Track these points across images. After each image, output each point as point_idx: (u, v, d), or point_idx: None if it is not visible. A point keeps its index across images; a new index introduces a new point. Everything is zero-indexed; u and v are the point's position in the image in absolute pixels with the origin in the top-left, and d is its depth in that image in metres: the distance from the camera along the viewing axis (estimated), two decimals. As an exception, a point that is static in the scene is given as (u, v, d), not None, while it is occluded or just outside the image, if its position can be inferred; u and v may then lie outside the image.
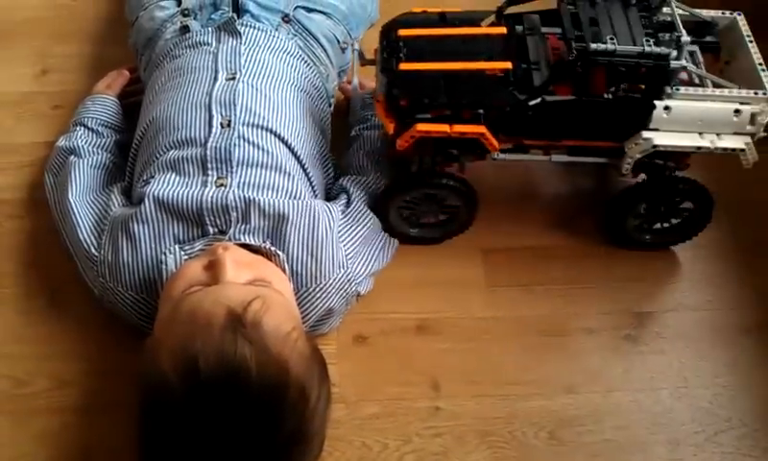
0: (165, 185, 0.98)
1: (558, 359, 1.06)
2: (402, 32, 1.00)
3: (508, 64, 0.97)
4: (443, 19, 1.03)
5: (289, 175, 1.02)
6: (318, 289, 0.97)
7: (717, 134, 0.99)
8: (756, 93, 0.98)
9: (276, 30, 1.16)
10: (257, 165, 1.00)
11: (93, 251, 1.00)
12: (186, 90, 1.07)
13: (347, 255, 1.01)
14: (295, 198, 1.00)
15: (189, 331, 0.78)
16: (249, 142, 1.01)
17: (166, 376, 0.75)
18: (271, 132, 1.04)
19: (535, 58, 1.00)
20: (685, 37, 0.94)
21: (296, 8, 1.20)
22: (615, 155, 1.03)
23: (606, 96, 0.96)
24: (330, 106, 1.22)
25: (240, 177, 0.99)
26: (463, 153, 1.03)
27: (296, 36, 1.18)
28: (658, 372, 1.05)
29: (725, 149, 0.99)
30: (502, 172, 1.21)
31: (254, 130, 1.03)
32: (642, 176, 1.08)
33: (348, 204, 1.07)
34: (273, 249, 0.95)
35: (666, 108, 0.96)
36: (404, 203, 1.08)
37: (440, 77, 0.96)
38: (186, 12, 1.18)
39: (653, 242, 1.15)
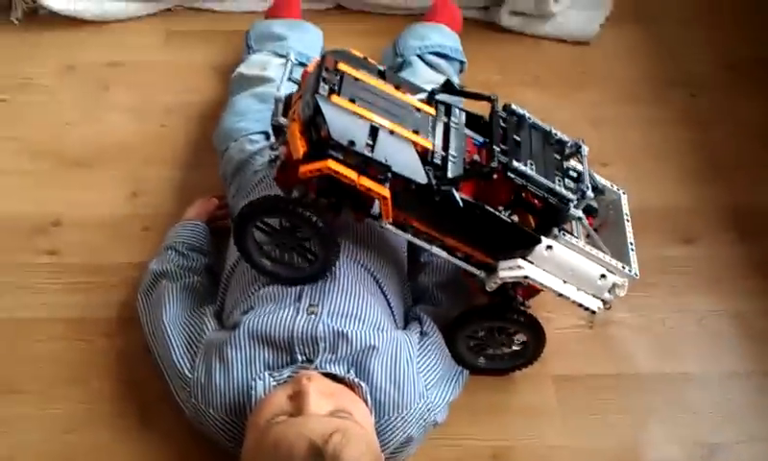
0: (261, 314, 1.03)
1: (633, 492, 1.07)
2: (343, 66, 0.97)
3: (430, 144, 0.96)
4: (381, 75, 1.01)
5: (375, 306, 1.07)
6: (399, 418, 1.00)
7: (577, 288, 1.03)
8: (623, 267, 1.02)
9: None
10: (347, 295, 1.05)
11: (186, 372, 1.04)
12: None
13: (425, 385, 1.04)
14: (379, 329, 1.04)
15: None
16: (341, 271, 1.06)
17: None
18: (360, 264, 1.09)
19: (453, 151, 0.99)
20: (590, 194, 0.98)
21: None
22: (486, 270, 1.04)
23: (502, 214, 0.97)
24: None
25: (331, 304, 1.04)
26: (347, 205, 1.00)
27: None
28: (731, 508, 1.06)
29: (581, 304, 1.03)
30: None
31: (346, 260, 1.08)
32: (484, 300, 1.10)
33: (423, 333, 1.10)
34: (356, 380, 0.99)
35: (549, 246, 0.99)
36: (264, 225, 1.01)
37: (367, 126, 0.93)
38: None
39: (486, 368, 1.15)
